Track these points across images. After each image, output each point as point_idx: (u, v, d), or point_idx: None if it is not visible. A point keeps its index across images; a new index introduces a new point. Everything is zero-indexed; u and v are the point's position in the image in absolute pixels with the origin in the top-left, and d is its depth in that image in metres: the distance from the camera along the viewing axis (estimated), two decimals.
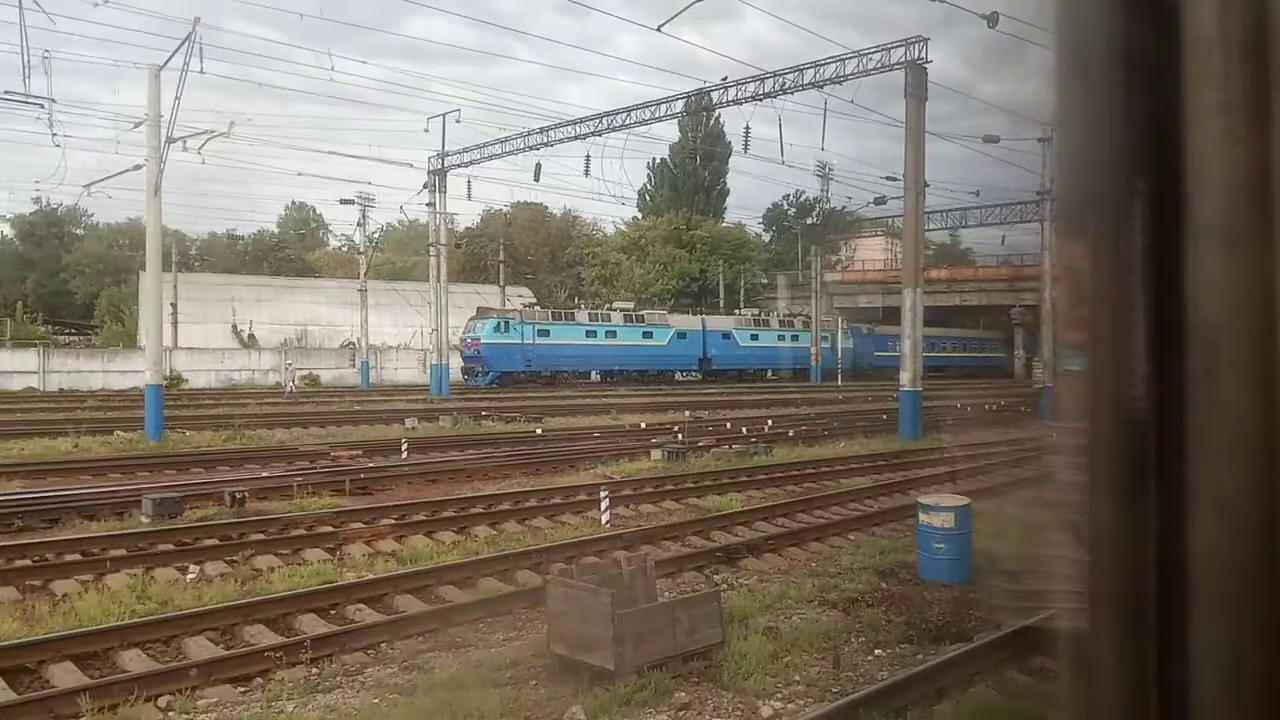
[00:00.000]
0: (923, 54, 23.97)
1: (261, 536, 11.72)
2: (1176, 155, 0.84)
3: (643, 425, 27.43)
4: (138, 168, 21.70)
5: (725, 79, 28.64)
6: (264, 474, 16.51)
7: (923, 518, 9.76)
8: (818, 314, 58.02)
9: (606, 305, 54.17)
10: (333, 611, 8.74)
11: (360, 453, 19.74)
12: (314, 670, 6.93)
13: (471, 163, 37.32)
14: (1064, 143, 0.91)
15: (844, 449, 22.43)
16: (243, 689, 6.70)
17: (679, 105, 33.05)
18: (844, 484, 16.89)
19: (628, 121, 33.27)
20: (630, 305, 55.18)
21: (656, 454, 19.56)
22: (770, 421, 27.99)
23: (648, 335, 51.64)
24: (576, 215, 77.17)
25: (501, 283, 54.94)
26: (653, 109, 32.69)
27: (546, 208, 77.14)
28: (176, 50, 20.24)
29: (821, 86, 26.34)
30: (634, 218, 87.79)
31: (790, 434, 24.79)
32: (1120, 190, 0.87)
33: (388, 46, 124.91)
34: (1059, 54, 0.90)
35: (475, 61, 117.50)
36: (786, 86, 27.19)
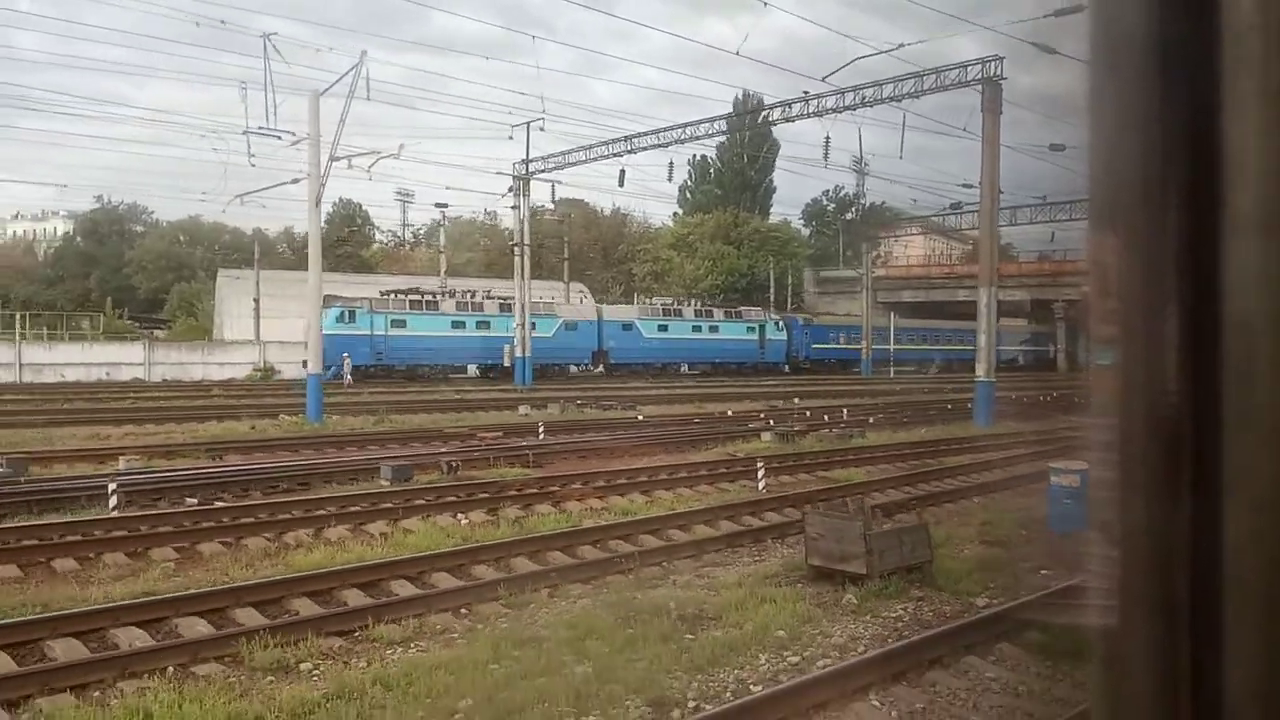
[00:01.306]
0: (998, 71, 26.23)
1: (487, 496, 14.29)
2: (1214, 145, 0.82)
3: (729, 413, 29.93)
4: (295, 181, 24.38)
5: (806, 93, 30.95)
6: (443, 449, 19.11)
7: (1054, 479, 12.15)
8: (869, 310, 60.11)
9: (484, 294, 50.16)
10: (598, 544, 11.26)
11: (501, 434, 22.34)
12: (654, 571, 9.51)
13: (555, 168, 39.87)
14: (1097, 133, 0.89)
15: (926, 434, 24.82)
16: (591, 585, 9.27)
17: (745, 114, 35.29)
18: (945, 461, 19.27)
19: (697, 134, 35.84)
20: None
21: (767, 436, 22.08)
22: (846, 410, 30.37)
23: (531, 325, 46.78)
24: (627, 213, 79.64)
25: (566, 278, 57.52)
26: (713, 123, 35.11)
27: (587, 204, 79.73)
28: (340, 79, 22.90)
29: (900, 100, 28.66)
30: (674, 214, 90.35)
31: (871, 420, 27.21)
32: (1155, 181, 0.85)
33: (416, 38, 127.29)
34: (1093, 42, 0.88)
35: (505, 56, 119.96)
36: (867, 100, 29.52)
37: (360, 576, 9.27)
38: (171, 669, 6.83)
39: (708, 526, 12.47)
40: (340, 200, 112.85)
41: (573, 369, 50.93)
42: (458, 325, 46.12)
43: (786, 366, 58.68)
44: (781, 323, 58.93)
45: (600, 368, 51.84)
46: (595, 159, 38.33)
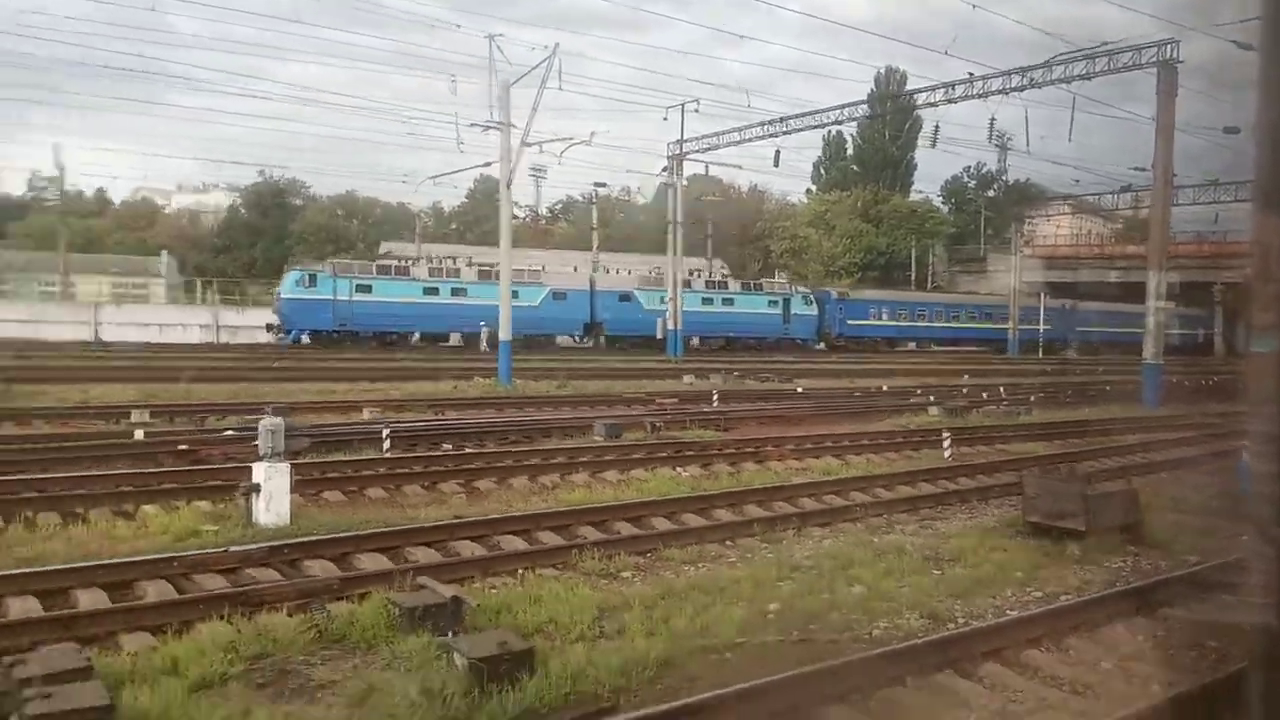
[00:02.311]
0: (1174, 54, 26.01)
1: (693, 454, 15.75)
2: None
3: (884, 388, 30.70)
4: (488, 164, 26.33)
5: (970, 75, 31.17)
6: (635, 411, 20.72)
7: (1246, 457, 12.77)
8: (1016, 289, 59.24)
9: (466, 261, 49.15)
10: (813, 497, 12.54)
11: (678, 400, 23.88)
12: (879, 520, 10.78)
13: (709, 148, 41.04)
14: (1266, 112, 0.81)
15: (1089, 413, 25.12)
16: (827, 529, 10.60)
17: (898, 95, 35.56)
18: (1119, 440, 19.76)
19: (854, 115, 36.33)
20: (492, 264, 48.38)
21: (934, 411, 22.93)
22: (1003, 389, 30.69)
23: (511, 295, 46.99)
24: (764, 190, 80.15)
25: (709, 255, 58.71)
26: (858, 105, 35.38)
27: (722, 181, 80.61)
28: (532, 69, 24.65)
29: (1070, 82, 28.64)
30: (807, 190, 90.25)
31: (1031, 399, 27.59)
32: None
33: (544, 15, 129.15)
34: (1266, 17, 0.80)
35: (631, 29, 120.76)
36: (1035, 81, 29.59)
37: (629, 513, 10.84)
38: (521, 570, 8.49)
39: (908, 486, 13.60)
40: (481, 177, 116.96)
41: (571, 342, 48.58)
42: (430, 292, 44.79)
43: (820, 344, 55.80)
44: (810, 297, 55.64)
45: (592, 341, 49.77)
46: (748, 140, 39.29)
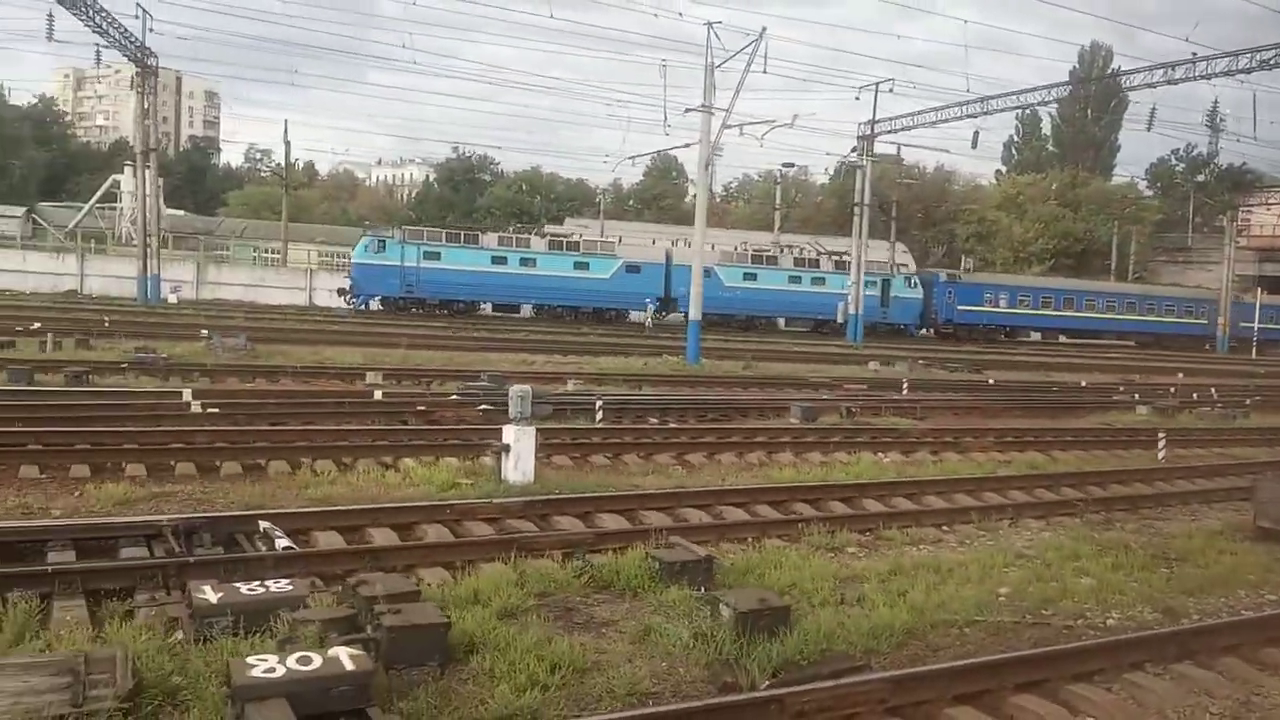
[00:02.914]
0: None
1: (890, 440, 15.92)
2: None
3: (1083, 383, 29.53)
4: (687, 145, 26.96)
5: (1194, 55, 29.30)
6: (822, 396, 20.99)
7: None
8: (1228, 282, 55.22)
9: (536, 230, 48.47)
10: (1023, 490, 12.55)
11: (866, 386, 23.92)
12: (1096, 517, 10.79)
13: (902, 129, 40.29)
14: None
15: None
16: (1044, 522, 10.68)
17: (1109, 76, 33.73)
18: None
19: (1057, 95, 34.70)
20: (570, 233, 48.83)
21: (1142, 410, 22.06)
22: (1214, 389, 28.95)
23: (581, 266, 45.15)
24: (951, 171, 77.58)
25: (892, 237, 57.55)
26: (1060, 87, 33.70)
27: (903, 160, 78.22)
28: (735, 54, 25.06)
29: None
30: (997, 172, 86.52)
31: (1248, 401, 25.96)
32: None
33: None
34: None
35: (809, 4, 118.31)
36: (1266, 63, 27.57)
37: (841, 493, 11.26)
38: (751, 538, 9.09)
39: (1122, 485, 13.35)
40: (659, 154, 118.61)
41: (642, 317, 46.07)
42: (499, 261, 44.05)
43: (928, 330, 51.94)
44: (915, 279, 51.53)
45: (668, 315, 47.42)
46: (945, 120, 38.33)
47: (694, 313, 26.77)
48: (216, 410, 13.72)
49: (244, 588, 6.12)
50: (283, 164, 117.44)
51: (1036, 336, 56.35)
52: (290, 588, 6.21)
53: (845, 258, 47.49)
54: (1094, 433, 18.46)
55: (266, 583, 6.24)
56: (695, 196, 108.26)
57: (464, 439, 13.20)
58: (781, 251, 51.20)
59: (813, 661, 5.98)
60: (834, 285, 47.54)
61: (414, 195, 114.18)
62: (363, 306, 43.59)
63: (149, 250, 38.72)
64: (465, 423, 14.66)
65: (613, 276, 45.61)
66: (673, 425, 16.02)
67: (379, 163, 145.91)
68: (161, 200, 39.16)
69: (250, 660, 4.97)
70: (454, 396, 16.96)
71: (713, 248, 47.98)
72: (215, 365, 19.35)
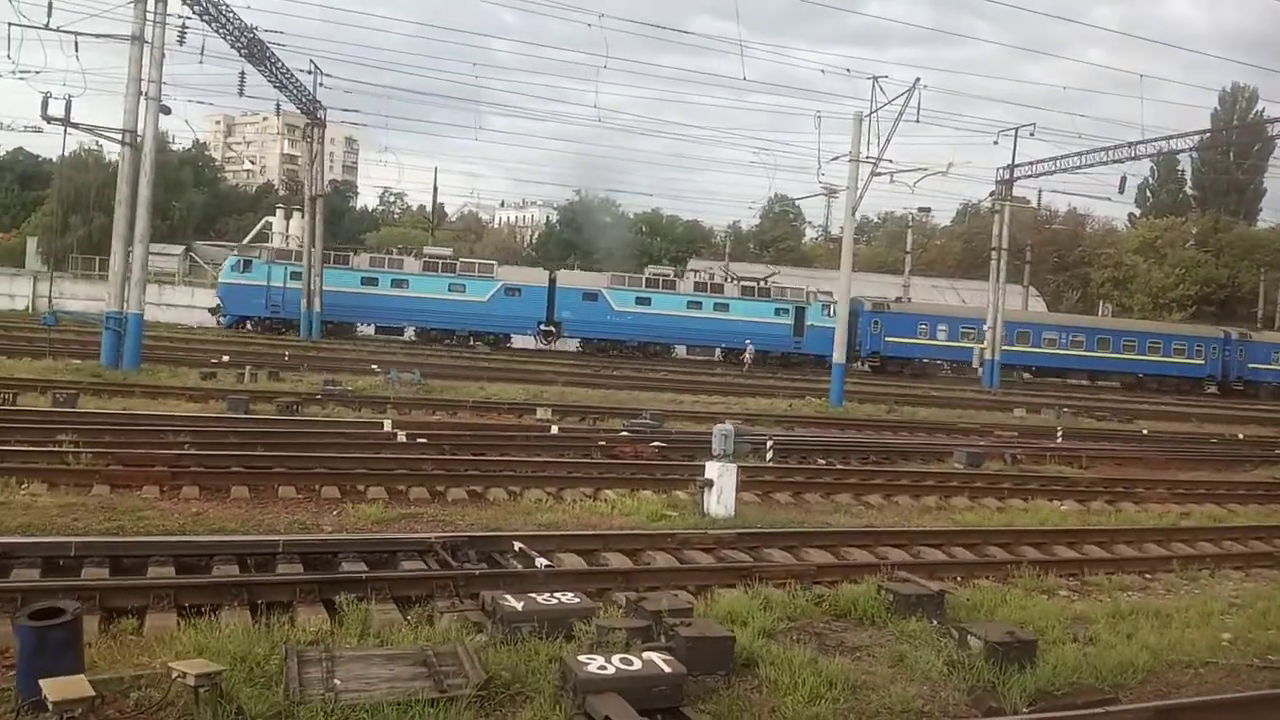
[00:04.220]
0: None
1: (1059, 489, 15.95)
2: None
3: (1240, 436, 28.54)
4: (835, 193, 27.49)
5: None
6: (973, 442, 21.03)
7: None
8: None
9: (413, 251, 46.90)
10: (1212, 541, 12.50)
11: (1017, 434, 23.78)
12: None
13: (1042, 173, 39.87)
14: None
15: None
16: (1244, 572, 10.71)
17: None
18: None
19: (1200, 143, 33.78)
20: (448, 253, 47.20)
21: None
22: None
23: (457, 288, 43.83)
24: (1085, 214, 75.68)
25: (1025, 280, 56.52)
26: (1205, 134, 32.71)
27: (1029, 202, 76.47)
28: (888, 103, 25.59)
29: None
30: (1130, 214, 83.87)
31: None
32: None
33: (841, 32, 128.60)
34: None
35: (930, 44, 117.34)
36: None
37: (1034, 538, 11.51)
38: (958, 578, 9.49)
39: None
40: (776, 195, 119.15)
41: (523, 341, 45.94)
42: (369, 281, 43.10)
43: (860, 363, 48.46)
44: (834, 309, 47.04)
45: (552, 343, 46.67)
46: (1088, 165, 37.78)
47: (838, 355, 27.13)
48: (424, 440, 14.83)
49: (539, 598, 6.90)
50: (413, 207, 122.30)
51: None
52: (578, 600, 6.97)
53: (759, 284, 47.16)
54: (1265, 486, 18.06)
55: (557, 595, 7.02)
56: (811, 239, 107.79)
57: (649, 473, 13.97)
58: (683, 276, 49.33)
59: (1065, 692, 6.38)
60: (739, 312, 45.99)
61: (536, 236, 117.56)
62: (229, 326, 43.60)
63: (312, 290, 41.15)
64: (642, 458, 15.44)
65: (491, 299, 44.36)
66: (839, 466, 16.44)
67: (501, 205, 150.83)
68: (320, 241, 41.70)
69: (582, 659, 5.72)
70: (624, 433, 17.78)
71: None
72: (397, 398, 20.72)
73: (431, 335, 44.12)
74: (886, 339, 48.46)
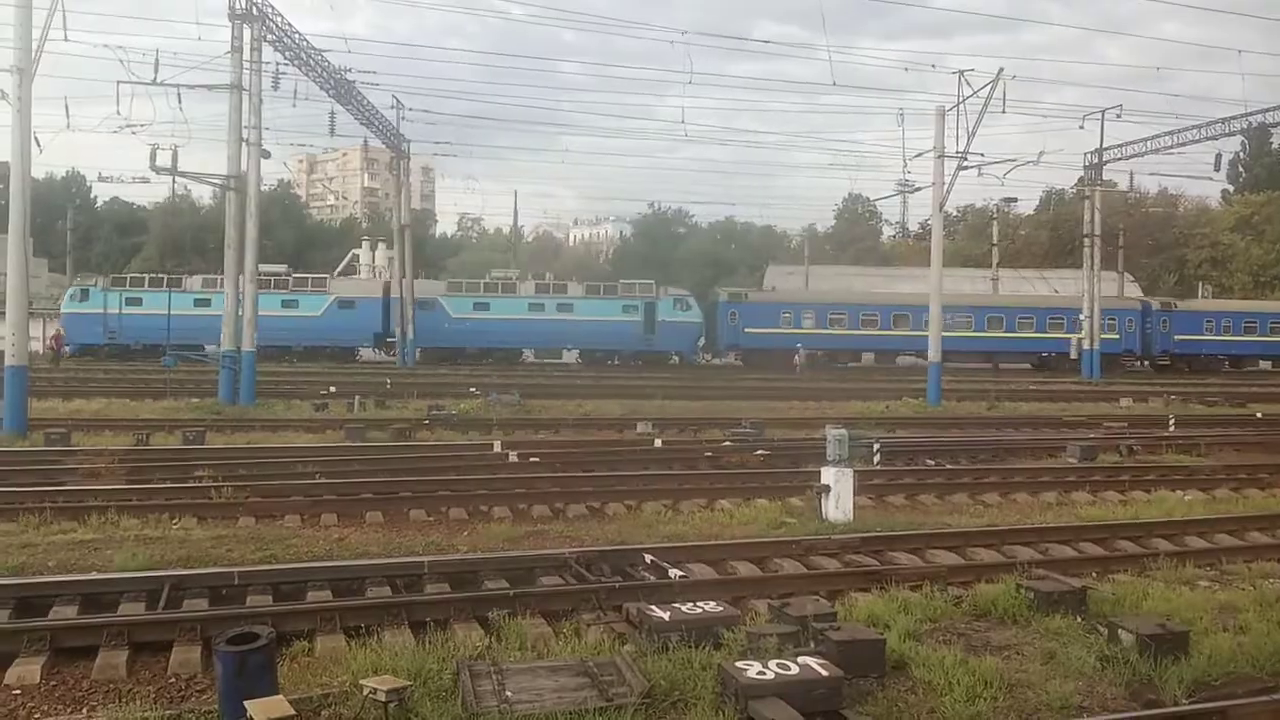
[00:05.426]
0: None
1: (1180, 478, 15.51)
2: None
3: None
4: (917, 189, 27.26)
5: None
6: (1081, 435, 20.56)
7: None
8: None
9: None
10: None
11: (1127, 424, 23.17)
12: None
13: (1133, 155, 38.78)
14: None
15: None
16: None
17: None
18: None
19: None
20: (282, 269, 45.66)
21: None
22: None
23: (290, 304, 43.52)
24: (1176, 194, 73.03)
25: (1120, 267, 54.81)
26: None
27: (1115, 184, 74.04)
28: (970, 95, 25.29)
29: None
30: (1223, 192, 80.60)
31: None
32: None
33: (909, 25, 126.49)
34: None
35: (1000, 30, 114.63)
36: None
37: (1161, 530, 11.28)
38: (1094, 573, 9.37)
39: None
40: (850, 195, 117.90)
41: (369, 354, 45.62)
42: (201, 303, 42.24)
43: (708, 358, 48.14)
44: (688, 301, 46.91)
45: (393, 355, 45.84)
46: (1181, 145, 36.62)
47: (933, 355, 26.82)
48: (536, 459, 15.20)
49: (684, 607, 7.10)
50: (490, 230, 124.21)
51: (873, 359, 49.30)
52: (721, 609, 7.14)
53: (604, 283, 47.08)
54: None
55: (699, 604, 7.21)
56: (889, 237, 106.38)
57: (759, 481, 14.07)
58: (523, 280, 48.82)
59: (1224, 682, 6.30)
60: (584, 312, 45.81)
61: (611, 252, 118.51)
62: (65, 354, 43.10)
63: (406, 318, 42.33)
64: (748, 467, 15.55)
65: (324, 313, 44.64)
66: (949, 466, 16.29)
67: (575, 223, 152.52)
68: (411, 269, 42.94)
69: (740, 665, 5.89)
70: (726, 443, 17.92)
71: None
72: (500, 420, 21.21)
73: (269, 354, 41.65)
74: (745, 330, 47.26)
